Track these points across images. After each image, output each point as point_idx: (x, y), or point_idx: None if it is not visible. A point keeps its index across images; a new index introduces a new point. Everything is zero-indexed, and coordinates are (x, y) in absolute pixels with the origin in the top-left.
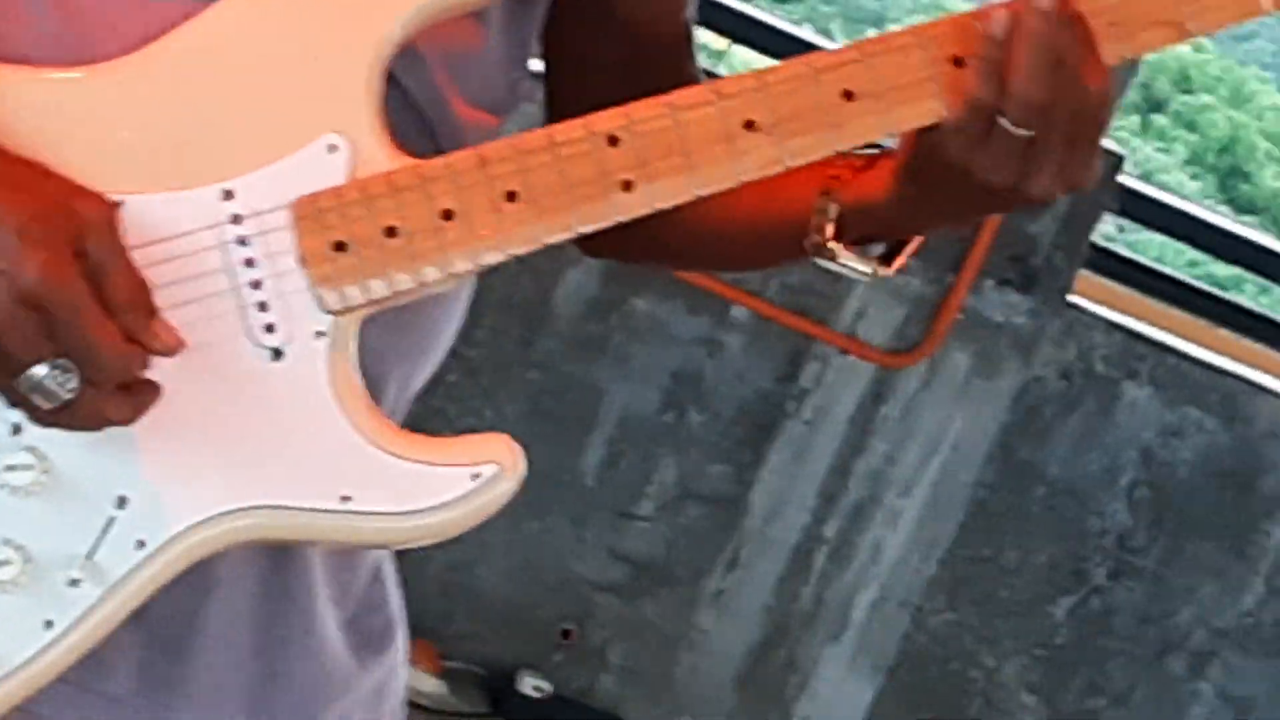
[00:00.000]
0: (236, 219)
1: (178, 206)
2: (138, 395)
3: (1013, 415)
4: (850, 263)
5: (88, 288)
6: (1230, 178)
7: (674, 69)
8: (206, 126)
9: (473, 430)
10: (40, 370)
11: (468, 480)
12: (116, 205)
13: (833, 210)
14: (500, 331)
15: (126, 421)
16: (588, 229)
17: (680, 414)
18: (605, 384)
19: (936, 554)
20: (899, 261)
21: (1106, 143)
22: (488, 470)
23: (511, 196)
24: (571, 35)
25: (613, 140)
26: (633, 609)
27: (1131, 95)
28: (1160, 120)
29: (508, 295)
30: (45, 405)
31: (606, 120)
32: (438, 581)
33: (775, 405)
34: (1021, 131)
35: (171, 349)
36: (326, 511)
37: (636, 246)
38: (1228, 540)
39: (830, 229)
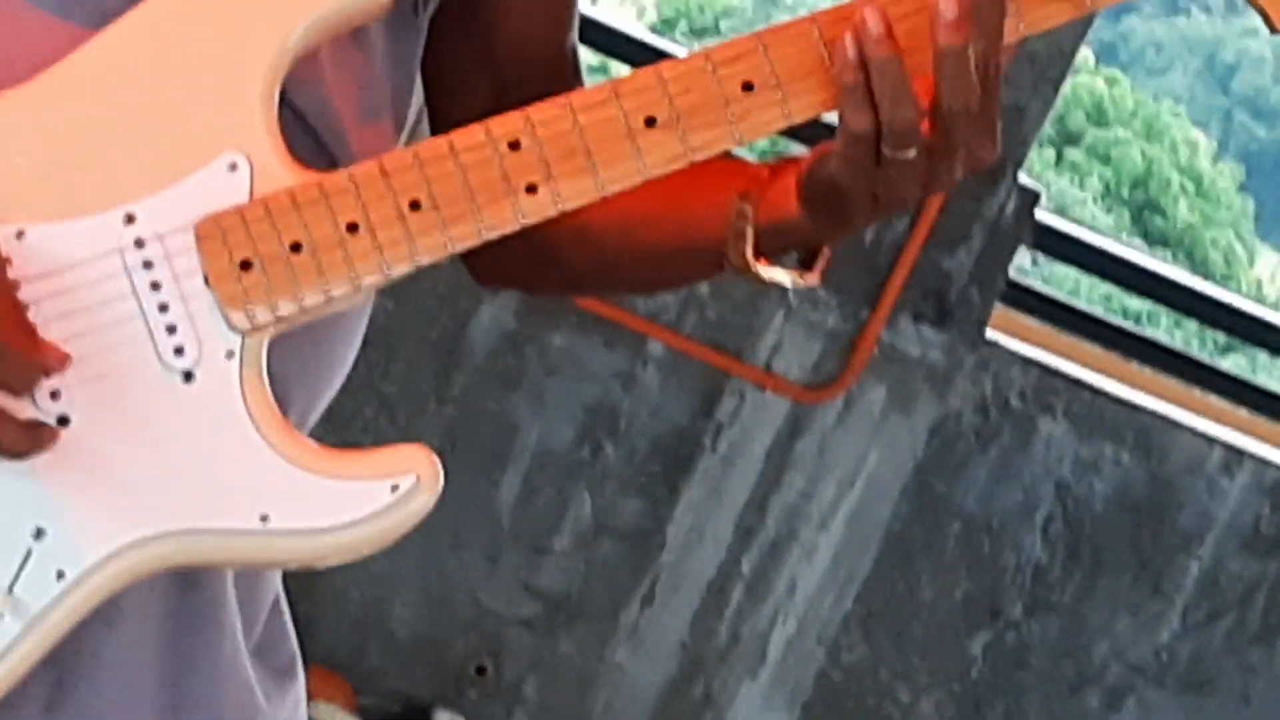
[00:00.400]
0: (140, 243)
1: (80, 234)
2: (34, 429)
3: (928, 450)
4: (773, 277)
5: None
6: (1144, 211)
7: (558, 92)
8: (105, 151)
9: None
10: None
11: (387, 493)
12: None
13: (749, 231)
14: (416, 366)
15: (24, 453)
16: (495, 234)
17: (596, 448)
18: (520, 418)
19: (853, 589)
20: (818, 267)
21: (1023, 178)
22: (406, 481)
23: (415, 205)
24: (450, 58)
25: (514, 145)
26: (548, 644)
27: (1046, 129)
28: (1074, 154)
29: (424, 330)
30: None
31: (506, 124)
32: (351, 617)
33: (691, 440)
34: (906, 154)
35: (54, 368)
36: (246, 532)
37: (538, 272)
38: (1143, 575)
39: (749, 248)
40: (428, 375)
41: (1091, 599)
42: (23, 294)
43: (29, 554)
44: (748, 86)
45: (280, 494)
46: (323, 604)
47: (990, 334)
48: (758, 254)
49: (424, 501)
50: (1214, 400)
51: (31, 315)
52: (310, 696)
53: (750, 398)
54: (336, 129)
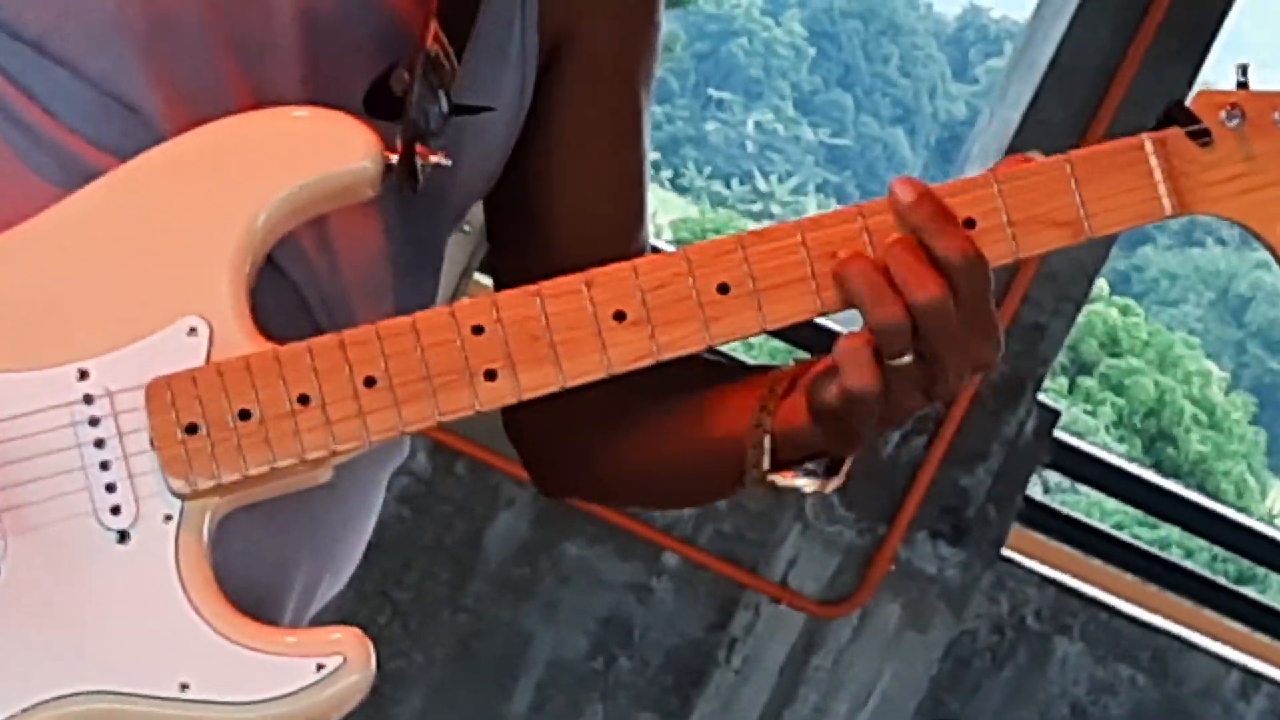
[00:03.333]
0: (89, 399)
1: (31, 384)
2: None
3: (943, 668)
4: (795, 485)
5: None
6: (1156, 441)
7: None
8: (66, 307)
9: (400, 672)
10: None
11: (312, 671)
12: None
13: (766, 442)
14: (430, 574)
15: None
16: (449, 417)
17: (609, 660)
18: (534, 628)
19: None
20: (843, 471)
21: (1043, 398)
22: (332, 662)
23: (370, 381)
24: (514, 264)
25: (477, 329)
26: None
27: (1060, 357)
28: (1088, 382)
29: (439, 537)
30: None
31: (472, 309)
32: None
33: (705, 653)
34: (902, 360)
35: None
36: (164, 700)
37: (585, 487)
38: None
39: (767, 460)
40: (442, 583)
41: None
42: None
43: None
44: (723, 288)
45: (203, 663)
46: None
47: (1007, 552)
48: (778, 462)
49: (351, 683)
50: (1231, 624)
51: None
52: None
53: (765, 611)
54: (334, 299)
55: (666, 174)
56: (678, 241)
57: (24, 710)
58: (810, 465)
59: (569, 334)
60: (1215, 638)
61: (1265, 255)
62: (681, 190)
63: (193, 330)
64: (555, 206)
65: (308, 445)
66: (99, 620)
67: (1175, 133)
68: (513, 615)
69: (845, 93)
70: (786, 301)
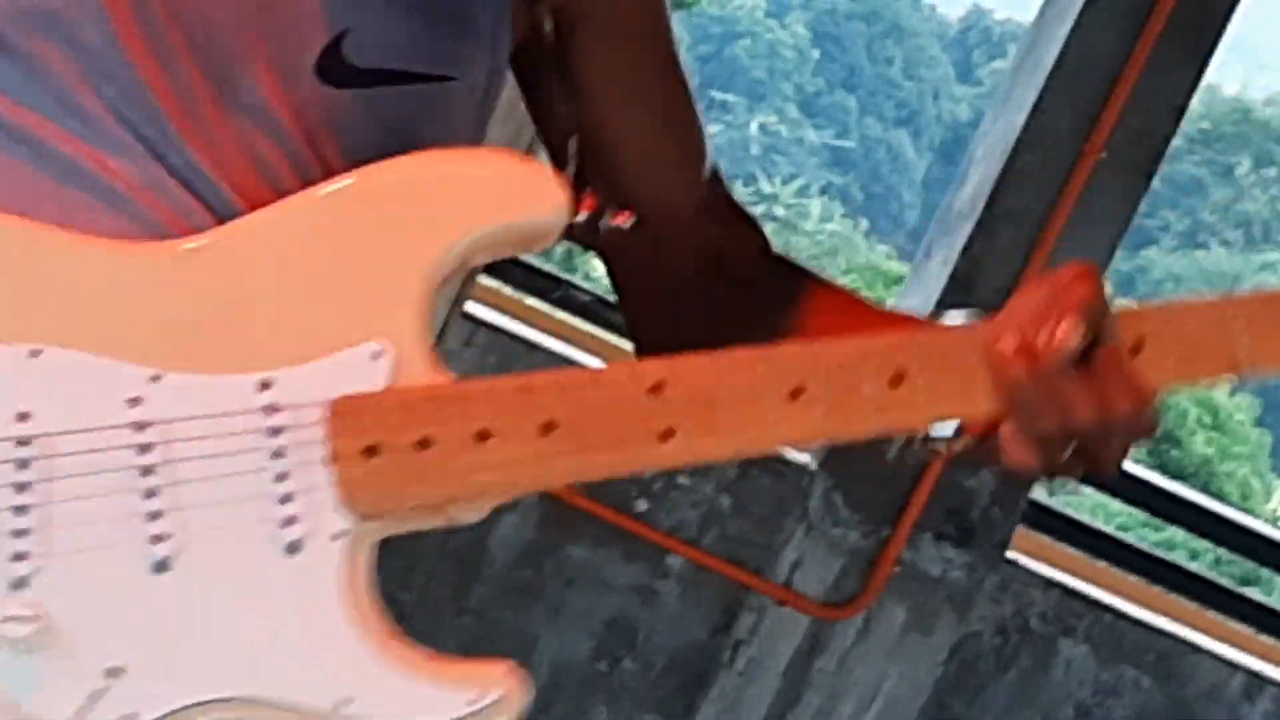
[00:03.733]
0: (271, 409)
1: (213, 389)
2: None
3: (948, 671)
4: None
5: None
6: (1161, 443)
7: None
8: (253, 317)
9: None
10: None
11: (463, 705)
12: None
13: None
14: (434, 576)
15: None
16: (623, 472)
17: (614, 662)
18: (538, 631)
19: None
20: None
21: None
22: (486, 698)
23: (549, 428)
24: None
25: (656, 388)
26: None
27: None
28: None
29: (443, 540)
30: None
31: (653, 368)
32: None
33: (709, 655)
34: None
35: None
36: (320, 714)
37: None
38: None
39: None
40: (447, 586)
41: None
42: (149, 436)
43: (102, 691)
44: (896, 380)
45: (359, 684)
46: None
47: (1012, 554)
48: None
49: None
50: (1236, 626)
51: (159, 455)
52: None
53: (770, 614)
54: None
55: None
56: None
57: (186, 707)
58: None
59: (741, 408)
60: (1220, 639)
61: (1270, 257)
62: None
63: (376, 354)
64: (619, 162)
65: (485, 482)
66: (265, 628)
67: None
68: (517, 618)
69: (849, 95)
70: (958, 401)
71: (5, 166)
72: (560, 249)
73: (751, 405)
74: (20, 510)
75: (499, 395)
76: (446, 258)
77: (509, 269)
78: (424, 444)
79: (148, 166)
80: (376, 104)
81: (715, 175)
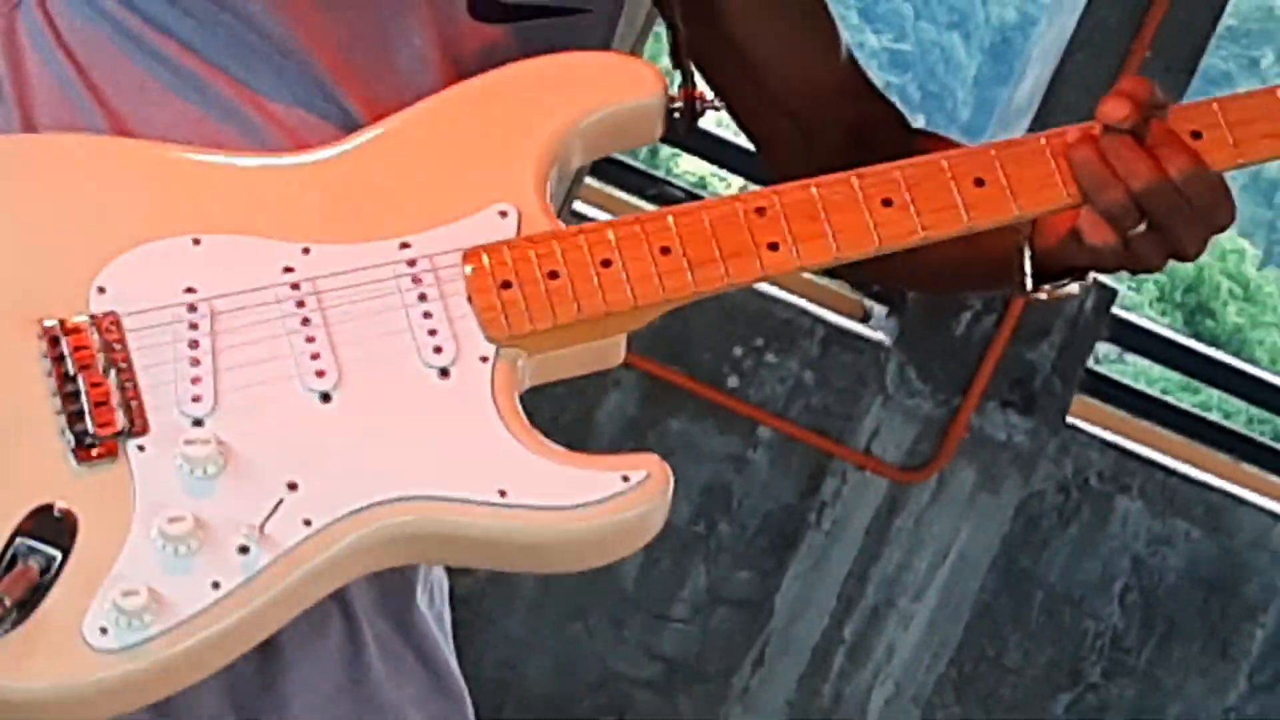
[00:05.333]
0: (412, 262)
1: (358, 253)
2: None
3: (1014, 527)
4: (1059, 295)
5: None
6: (1195, 314)
7: (856, 114)
8: (391, 195)
9: None
10: None
11: (618, 481)
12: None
13: (1026, 260)
14: None
15: None
16: (738, 283)
17: (711, 525)
18: None
19: (945, 655)
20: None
21: (1102, 278)
22: (636, 475)
23: (665, 250)
24: (740, 105)
25: (759, 210)
26: (668, 704)
27: None
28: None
29: (554, 416)
30: None
31: (753, 196)
32: (490, 678)
33: (797, 517)
34: (1136, 231)
35: None
36: (484, 503)
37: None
38: (1212, 641)
39: (1028, 271)
40: None
41: (1165, 663)
42: (304, 293)
43: (281, 502)
44: (979, 182)
45: (519, 474)
46: (464, 665)
47: (1071, 419)
48: (1039, 275)
49: (653, 501)
50: (1272, 479)
51: (314, 305)
52: None
53: (851, 479)
54: None
55: None
56: None
57: (357, 510)
58: (1064, 281)
59: (841, 215)
60: (1265, 494)
61: None
62: None
63: (503, 213)
64: (757, 58)
65: (610, 301)
66: (423, 440)
67: None
68: None
69: (904, 2)
70: (1036, 192)
71: (176, 107)
72: (645, 151)
73: (849, 214)
74: (194, 362)
75: (617, 229)
76: (562, 135)
77: (610, 169)
78: (553, 275)
79: (304, 113)
80: (521, 36)
81: (850, 57)
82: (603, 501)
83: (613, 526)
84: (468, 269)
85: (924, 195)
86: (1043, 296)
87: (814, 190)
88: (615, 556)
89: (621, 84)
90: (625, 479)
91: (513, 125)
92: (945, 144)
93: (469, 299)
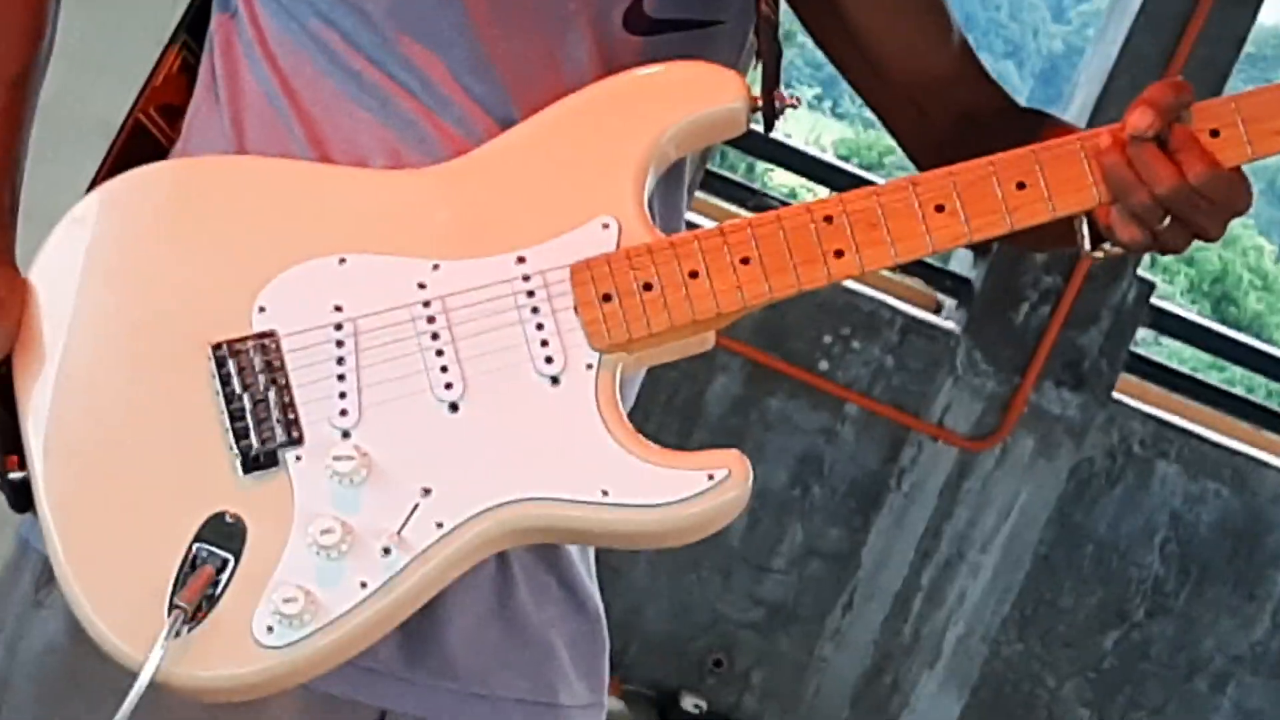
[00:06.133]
0: (526, 278)
1: (478, 268)
2: None
3: (1068, 488)
4: (1111, 250)
5: None
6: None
7: (970, 97)
8: (505, 211)
9: None
10: None
11: (704, 480)
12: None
13: (1085, 227)
14: (663, 426)
15: None
16: (808, 288)
17: (805, 488)
18: None
19: (1009, 599)
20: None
21: (1143, 273)
22: (719, 473)
23: (745, 260)
24: (866, 87)
25: (827, 219)
26: (769, 642)
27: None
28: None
29: (669, 397)
30: None
31: (822, 205)
32: (615, 621)
33: (880, 481)
34: (1161, 225)
35: None
36: (589, 503)
37: None
38: (1240, 585)
39: (1086, 237)
40: (672, 433)
41: (1199, 604)
42: (434, 310)
43: (416, 507)
44: (1021, 185)
45: (619, 476)
46: None
47: (1117, 395)
48: (1097, 238)
49: (734, 491)
50: None
51: (443, 323)
52: None
53: (926, 448)
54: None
55: (827, 104)
56: (841, 157)
57: (483, 511)
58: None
59: (899, 222)
60: (1279, 455)
61: None
62: (839, 116)
63: (605, 225)
64: (877, 47)
65: (698, 310)
66: (539, 444)
67: None
68: None
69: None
70: (1072, 194)
71: (359, 118)
72: (743, 166)
73: (906, 220)
74: (341, 378)
75: (703, 242)
76: (658, 145)
77: (714, 183)
78: (648, 287)
79: (475, 125)
80: (664, 47)
81: (963, 41)
82: (689, 499)
83: (699, 518)
84: (574, 282)
85: (972, 199)
86: (1100, 255)
87: (876, 200)
88: (703, 536)
89: (708, 91)
90: (710, 477)
91: (611, 137)
92: (1052, 121)
93: (575, 310)
